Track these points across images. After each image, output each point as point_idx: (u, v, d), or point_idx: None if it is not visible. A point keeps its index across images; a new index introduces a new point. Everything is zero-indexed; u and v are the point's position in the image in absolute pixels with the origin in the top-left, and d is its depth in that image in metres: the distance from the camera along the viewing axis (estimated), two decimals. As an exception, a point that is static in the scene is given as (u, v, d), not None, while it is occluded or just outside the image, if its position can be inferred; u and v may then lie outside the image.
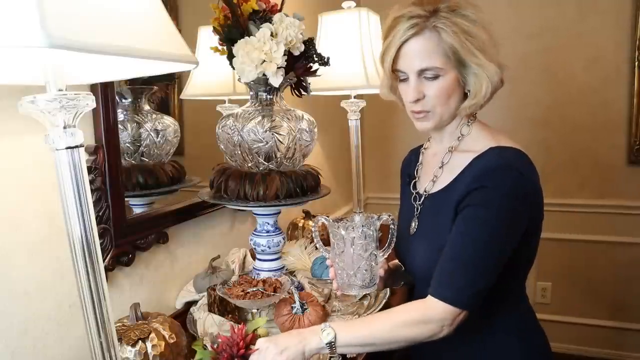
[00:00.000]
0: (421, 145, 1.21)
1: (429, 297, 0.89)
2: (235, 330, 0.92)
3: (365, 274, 0.95)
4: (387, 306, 1.30)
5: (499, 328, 1.00)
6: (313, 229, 1.03)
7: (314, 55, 1.21)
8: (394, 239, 0.93)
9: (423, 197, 1.05)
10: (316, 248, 1.55)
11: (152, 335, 0.92)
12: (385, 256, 0.98)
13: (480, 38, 0.92)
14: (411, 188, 1.11)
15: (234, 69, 1.14)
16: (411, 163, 1.19)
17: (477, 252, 0.88)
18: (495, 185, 0.89)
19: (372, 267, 0.96)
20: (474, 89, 0.95)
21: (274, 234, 1.26)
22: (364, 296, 1.35)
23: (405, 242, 1.06)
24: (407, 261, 1.05)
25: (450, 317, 0.87)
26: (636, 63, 2.40)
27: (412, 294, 1.17)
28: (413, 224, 1.05)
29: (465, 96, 0.98)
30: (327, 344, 0.87)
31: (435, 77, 0.94)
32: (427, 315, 0.88)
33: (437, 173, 1.03)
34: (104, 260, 1.05)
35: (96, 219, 0.87)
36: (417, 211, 1.05)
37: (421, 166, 1.14)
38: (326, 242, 1.04)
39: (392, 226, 0.96)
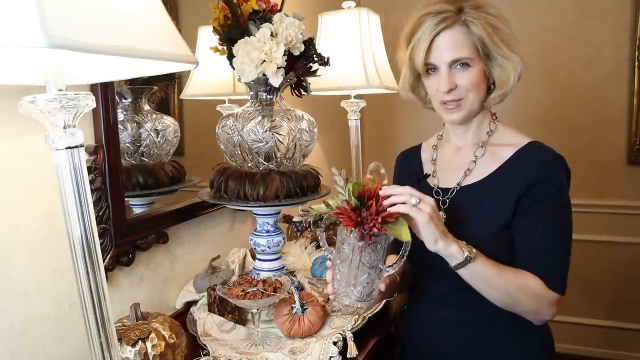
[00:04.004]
0: (419, 146, 1.23)
1: (544, 284, 0.95)
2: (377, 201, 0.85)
3: (365, 287, 0.90)
4: (387, 305, 1.31)
5: (511, 321, 1.01)
6: (319, 228, 0.96)
7: (314, 55, 1.21)
8: (404, 258, 0.91)
9: (454, 191, 1.08)
10: (317, 247, 1.55)
11: (152, 335, 0.92)
12: (391, 273, 0.93)
13: (505, 32, 1.00)
14: (431, 184, 1.13)
15: (234, 69, 1.14)
16: (412, 162, 1.21)
17: (564, 242, 0.98)
18: (555, 175, 0.98)
19: (374, 281, 0.90)
20: (500, 80, 1.02)
21: (274, 234, 1.26)
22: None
23: None
24: (431, 255, 0.94)
25: (555, 305, 0.97)
26: (636, 63, 2.40)
27: (413, 290, 1.18)
28: (441, 217, 1.04)
29: (489, 90, 1.05)
30: (465, 257, 0.90)
31: (466, 68, 1.00)
32: (546, 297, 0.95)
33: (470, 166, 1.07)
34: (104, 260, 1.05)
35: (96, 219, 0.87)
36: (443, 204, 1.08)
37: (436, 162, 1.16)
38: (328, 243, 0.99)
39: (405, 244, 0.91)
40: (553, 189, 0.97)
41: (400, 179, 1.23)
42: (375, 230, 0.84)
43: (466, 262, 0.90)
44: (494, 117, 1.10)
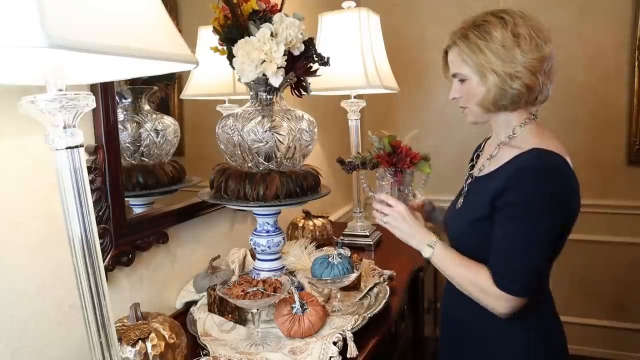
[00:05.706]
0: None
1: (492, 281, 1.04)
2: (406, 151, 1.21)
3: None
4: (387, 306, 1.31)
5: (520, 323, 1.08)
6: (366, 168, 1.31)
7: (314, 55, 1.21)
8: (427, 183, 1.20)
9: (471, 180, 1.22)
10: (317, 247, 1.55)
11: (152, 335, 0.92)
12: (420, 197, 1.26)
13: (487, 54, 1.05)
14: (469, 170, 1.28)
15: (234, 69, 1.14)
16: (479, 147, 1.34)
17: (524, 248, 1.02)
18: (527, 183, 1.01)
19: (409, 205, 1.24)
20: (487, 89, 1.09)
21: (274, 234, 1.26)
22: (364, 296, 1.35)
23: (453, 214, 1.24)
24: (449, 230, 1.23)
25: (504, 301, 1.02)
26: (636, 63, 2.40)
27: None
28: (460, 200, 1.23)
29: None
30: (428, 253, 1.13)
31: (462, 81, 1.13)
32: (490, 292, 1.04)
33: (485, 163, 1.19)
34: (104, 261, 1.05)
35: (96, 219, 0.87)
36: (464, 190, 1.23)
37: (481, 153, 1.29)
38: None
39: (427, 176, 1.21)
40: (520, 196, 1.01)
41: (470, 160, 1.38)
42: (406, 167, 1.19)
43: (429, 256, 1.13)
44: (525, 122, 1.13)
